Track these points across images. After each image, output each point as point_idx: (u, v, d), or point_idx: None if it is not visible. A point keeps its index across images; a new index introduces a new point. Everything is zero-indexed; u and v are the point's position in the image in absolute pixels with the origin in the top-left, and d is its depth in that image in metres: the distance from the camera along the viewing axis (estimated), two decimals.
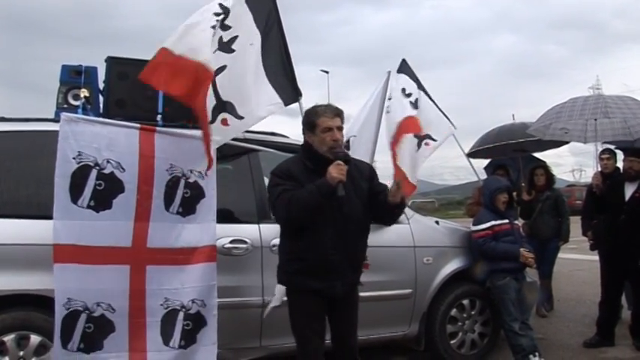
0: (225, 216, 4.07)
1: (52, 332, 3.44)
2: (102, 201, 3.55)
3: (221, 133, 3.91)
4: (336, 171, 3.25)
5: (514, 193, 5.46)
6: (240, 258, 4.13)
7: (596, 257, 6.07)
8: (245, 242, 4.15)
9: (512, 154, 7.65)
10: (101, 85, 4.30)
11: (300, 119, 3.77)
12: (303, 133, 3.58)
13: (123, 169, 3.62)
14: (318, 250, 3.38)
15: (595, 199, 5.83)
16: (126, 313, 3.60)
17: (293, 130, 4.85)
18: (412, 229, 4.90)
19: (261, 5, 4.26)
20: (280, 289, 3.89)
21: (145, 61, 3.93)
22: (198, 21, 3.81)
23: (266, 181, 4.55)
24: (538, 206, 6.89)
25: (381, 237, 4.57)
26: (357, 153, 4.45)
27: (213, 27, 3.80)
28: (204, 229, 3.83)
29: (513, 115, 8.33)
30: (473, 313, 5.16)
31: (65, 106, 4.13)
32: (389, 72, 5.13)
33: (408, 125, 5.81)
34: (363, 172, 3.62)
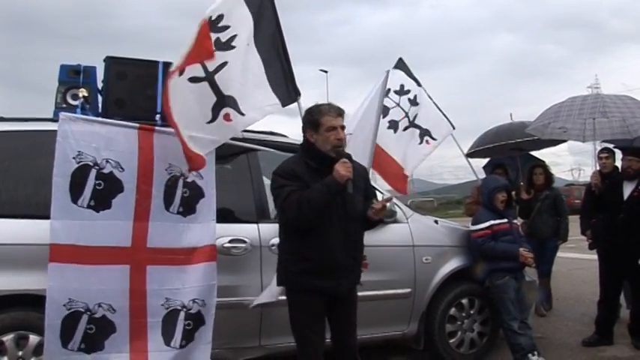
0: (224, 215, 4.07)
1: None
2: (102, 201, 3.55)
3: (224, 130, 3.91)
4: (344, 169, 3.32)
5: (513, 193, 5.46)
6: (240, 257, 4.13)
7: (595, 256, 6.07)
8: (244, 242, 4.15)
9: (510, 153, 7.65)
10: (100, 85, 4.30)
11: (299, 119, 3.77)
12: (305, 132, 3.57)
13: (122, 168, 3.62)
14: (325, 249, 3.40)
15: (594, 198, 5.83)
16: (127, 314, 3.60)
17: (292, 130, 4.85)
18: (411, 229, 4.90)
19: (259, 5, 4.26)
20: (273, 287, 3.89)
21: (144, 61, 3.93)
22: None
23: (265, 180, 4.55)
24: (537, 205, 6.89)
25: (380, 236, 4.58)
26: (353, 152, 4.46)
27: None
28: (205, 229, 3.84)
29: (511, 115, 8.33)
30: (472, 312, 5.17)
31: (64, 105, 4.13)
32: (387, 71, 5.13)
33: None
34: (360, 172, 3.66)
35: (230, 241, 4.10)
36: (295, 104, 4.25)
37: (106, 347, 3.56)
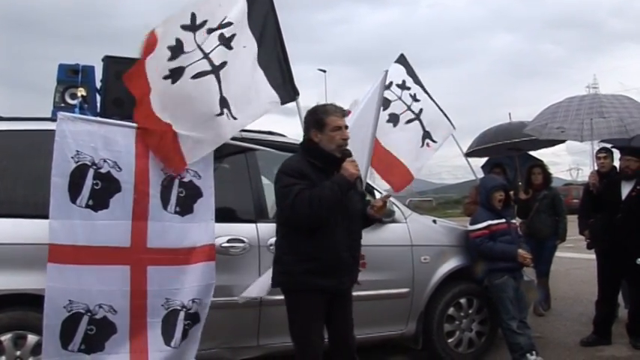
0: (222, 215, 4.06)
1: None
2: (99, 201, 3.55)
3: (225, 128, 3.91)
4: (353, 167, 3.42)
5: (511, 192, 5.46)
6: (238, 257, 4.13)
7: (593, 256, 6.08)
8: (242, 241, 4.15)
9: (507, 152, 7.65)
10: (98, 84, 4.30)
11: (297, 118, 3.77)
12: (308, 132, 3.57)
13: (119, 168, 3.62)
14: (332, 248, 3.42)
15: (592, 198, 5.84)
16: (127, 314, 3.60)
17: (290, 129, 4.85)
18: (409, 228, 4.91)
19: (258, 4, 4.26)
20: (265, 283, 3.89)
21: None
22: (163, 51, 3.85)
23: (264, 180, 4.55)
24: (535, 205, 6.90)
25: (378, 236, 4.59)
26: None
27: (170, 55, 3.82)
28: (203, 229, 3.84)
29: (510, 114, 8.33)
30: (470, 311, 5.17)
31: (62, 105, 4.13)
32: (386, 71, 5.12)
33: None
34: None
35: (228, 241, 4.10)
36: (293, 103, 4.25)
37: (106, 348, 3.56)
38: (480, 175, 7.04)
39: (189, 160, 3.80)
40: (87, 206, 3.51)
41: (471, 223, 5.18)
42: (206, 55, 3.85)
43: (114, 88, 4.17)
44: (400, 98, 6.23)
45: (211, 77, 3.84)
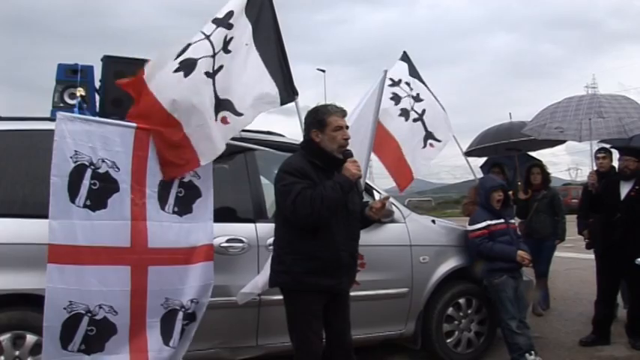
0: (221, 215, 4.06)
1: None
2: (97, 200, 3.54)
3: (222, 132, 3.92)
4: (355, 167, 3.44)
5: (510, 192, 5.46)
6: (237, 257, 4.13)
7: (592, 256, 6.08)
8: (241, 241, 4.15)
9: (505, 152, 7.66)
10: (97, 84, 4.30)
11: (296, 118, 3.77)
12: (309, 132, 3.57)
13: (118, 168, 3.61)
14: (332, 247, 3.43)
15: (591, 198, 5.84)
16: (127, 315, 3.59)
17: (289, 129, 4.84)
18: (408, 228, 4.90)
19: (257, 5, 4.27)
20: (258, 280, 3.90)
21: (141, 60, 3.93)
22: (166, 60, 3.85)
23: (263, 180, 4.55)
24: (534, 205, 6.89)
25: (377, 236, 4.59)
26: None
27: (178, 67, 3.82)
28: (202, 229, 3.84)
29: (510, 114, 8.32)
30: (469, 311, 5.17)
31: (61, 105, 4.14)
32: (385, 71, 5.12)
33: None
34: None
35: (227, 241, 4.09)
36: (292, 103, 4.25)
37: (105, 348, 3.55)
38: (479, 175, 7.05)
39: (204, 162, 3.82)
40: (84, 206, 3.50)
41: (470, 223, 5.18)
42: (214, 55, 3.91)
43: (113, 88, 4.16)
44: (410, 95, 6.23)
45: (210, 81, 3.87)
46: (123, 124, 3.73)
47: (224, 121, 3.92)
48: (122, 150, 3.64)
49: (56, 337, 3.40)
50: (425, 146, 6.21)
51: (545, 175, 7.08)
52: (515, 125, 7.55)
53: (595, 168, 6.03)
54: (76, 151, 3.50)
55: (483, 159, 8.26)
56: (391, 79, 6.15)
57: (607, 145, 6.49)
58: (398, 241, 4.82)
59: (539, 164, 7.26)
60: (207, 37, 3.92)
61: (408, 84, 6.30)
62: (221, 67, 3.94)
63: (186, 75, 3.77)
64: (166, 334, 3.70)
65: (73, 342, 3.45)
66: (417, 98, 6.30)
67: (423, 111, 6.27)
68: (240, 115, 3.96)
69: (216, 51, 3.92)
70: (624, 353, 5.37)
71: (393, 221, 4.84)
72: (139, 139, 3.69)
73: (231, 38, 4.04)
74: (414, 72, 6.48)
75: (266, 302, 4.09)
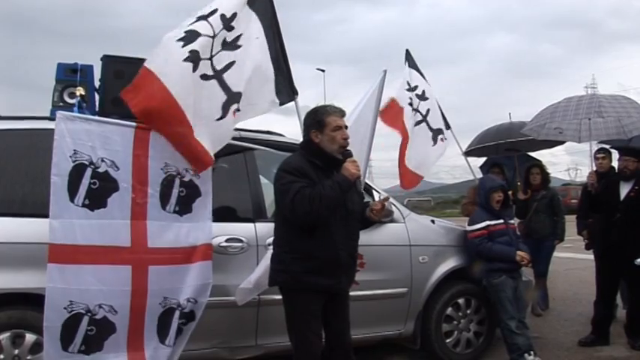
0: (221, 214, 4.06)
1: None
2: (96, 200, 3.53)
3: (231, 125, 3.94)
4: (354, 167, 3.45)
5: (510, 192, 5.46)
6: (236, 256, 4.13)
7: (592, 256, 6.09)
8: (241, 241, 4.15)
9: (504, 153, 7.66)
10: (97, 84, 4.30)
11: (295, 118, 3.77)
12: (308, 133, 3.58)
13: (117, 167, 3.61)
14: (330, 247, 3.44)
15: (590, 198, 5.84)
16: (127, 314, 3.59)
17: (288, 129, 4.84)
18: (408, 228, 4.91)
19: (261, 5, 4.29)
20: (252, 277, 3.91)
21: (141, 60, 3.92)
22: (171, 40, 3.83)
23: (262, 179, 4.55)
24: (534, 205, 6.90)
25: (376, 236, 4.59)
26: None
27: (187, 57, 3.79)
28: (201, 228, 3.84)
29: (510, 114, 8.33)
30: (468, 311, 5.17)
31: (61, 104, 4.13)
32: (385, 71, 5.12)
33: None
34: None
35: (226, 240, 4.09)
36: (292, 103, 4.25)
37: (104, 347, 3.55)
38: (479, 175, 7.05)
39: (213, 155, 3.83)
40: (83, 205, 3.49)
41: (469, 224, 5.18)
42: (210, 58, 3.88)
43: (112, 88, 4.16)
44: (410, 104, 6.29)
45: (214, 82, 3.88)
46: (123, 124, 3.72)
47: (235, 114, 3.93)
48: (122, 149, 3.64)
49: (57, 337, 3.39)
50: (435, 143, 6.30)
51: (545, 176, 7.08)
52: (515, 125, 7.55)
53: (594, 168, 6.04)
54: (75, 150, 3.50)
55: (483, 159, 8.27)
56: (408, 84, 6.32)
57: (606, 146, 6.49)
58: (397, 241, 4.82)
59: (538, 164, 7.26)
60: (213, 37, 3.92)
61: (408, 90, 6.36)
62: (232, 62, 3.96)
63: (194, 69, 3.78)
64: (163, 333, 3.71)
65: (73, 343, 3.45)
66: (422, 97, 6.35)
67: (427, 111, 6.33)
68: (239, 110, 3.96)
69: (213, 53, 3.92)
70: (623, 354, 5.37)
71: (392, 221, 4.84)
72: (139, 138, 3.69)
73: (240, 35, 4.06)
74: (417, 69, 6.55)
75: (265, 302, 4.10)
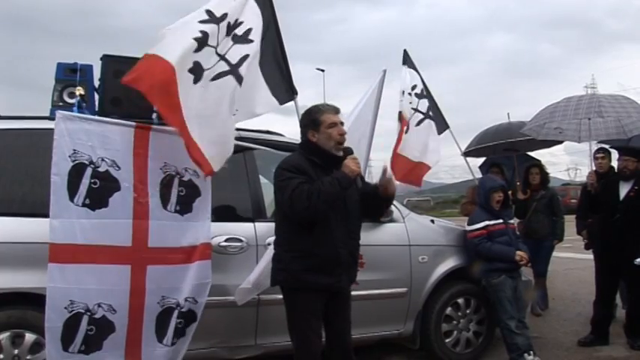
0: (220, 214, 4.07)
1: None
2: (97, 199, 3.53)
3: (232, 126, 3.94)
4: (354, 164, 3.45)
5: (510, 192, 5.47)
6: (236, 256, 4.13)
7: (591, 256, 6.09)
8: (240, 240, 4.15)
9: (503, 153, 7.66)
10: (97, 83, 4.29)
11: (295, 117, 3.78)
12: (305, 133, 3.60)
13: (118, 167, 3.61)
14: (330, 245, 3.43)
15: (590, 198, 5.84)
16: (126, 314, 3.59)
17: (288, 129, 4.84)
18: (407, 228, 4.91)
19: (262, 3, 4.29)
20: (251, 277, 3.90)
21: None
22: (178, 27, 3.81)
23: (262, 179, 4.55)
24: (533, 205, 6.90)
25: (376, 235, 4.60)
26: None
27: (195, 38, 3.75)
28: (200, 228, 3.84)
29: (508, 114, 8.34)
30: (468, 311, 5.17)
31: (60, 104, 4.12)
32: (384, 70, 5.14)
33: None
34: None
35: (226, 240, 4.09)
36: (291, 103, 4.25)
37: (103, 347, 3.55)
38: (478, 175, 7.06)
39: (216, 168, 3.79)
40: (83, 205, 3.49)
41: (469, 224, 5.18)
42: (223, 57, 3.88)
43: (112, 87, 4.16)
44: (410, 104, 6.30)
45: (230, 78, 3.86)
46: (122, 123, 3.72)
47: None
48: (122, 149, 3.63)
49: (58, 338, 3.39)
50: (440, 132, 6.39)
51: (544, 175, 7.08)
52: (515, 125, 7.56)
53: (594, 168, 6.04)
54: (74, 149, 3.50)
55: (482, 159, 8.27)
56: (408, 87, 6.34)
57: (606, 146, 6.49)
58: (397, 241, 4.82)
59: (538, 164, 7.26)
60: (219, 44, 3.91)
61: (415, 85, 6.38)
62: (246, 56, 3.95)
63: (195, 81, 3.75)
64: (161, 333, 3.71)
65: (74, 343, 3.44)
66: (421, 95, 6.36)
67: (428, 108, 6.35)
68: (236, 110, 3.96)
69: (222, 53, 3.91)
70: (623, 354, 5.37)
71: (392, 221, 4.85)
72: (139, 137, 3.69)
73: (250, 29, 4.06)
74: (415, 68, 6.56)
75: (265, 301, 4.10)
